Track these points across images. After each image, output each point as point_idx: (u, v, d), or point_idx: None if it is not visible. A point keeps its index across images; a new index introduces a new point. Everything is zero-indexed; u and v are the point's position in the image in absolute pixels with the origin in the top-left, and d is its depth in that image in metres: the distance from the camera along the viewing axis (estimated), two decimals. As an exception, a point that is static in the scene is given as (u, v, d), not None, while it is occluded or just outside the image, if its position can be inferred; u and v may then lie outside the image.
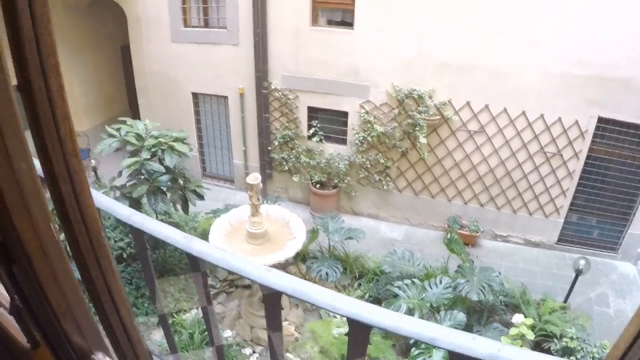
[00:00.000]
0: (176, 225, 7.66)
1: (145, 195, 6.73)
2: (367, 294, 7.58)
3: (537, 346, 6.53)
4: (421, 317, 6.31)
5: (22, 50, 0.67)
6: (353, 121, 9.52)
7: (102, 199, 1.67)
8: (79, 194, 0.79)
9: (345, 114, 9.59)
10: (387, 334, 6.88)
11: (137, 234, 1.58)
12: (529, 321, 6.05)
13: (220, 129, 10.96)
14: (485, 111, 8.63)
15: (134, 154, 6.71)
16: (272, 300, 1.45)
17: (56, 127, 0.74)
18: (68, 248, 1.03)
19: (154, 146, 6.71)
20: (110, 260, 0.92)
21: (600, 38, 7.48)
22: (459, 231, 9.07)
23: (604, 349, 6.14)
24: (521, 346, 5.70)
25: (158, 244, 7.35)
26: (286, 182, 10.69)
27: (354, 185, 10.13)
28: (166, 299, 7.36)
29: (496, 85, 8.35)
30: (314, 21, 9.03)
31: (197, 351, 6.67)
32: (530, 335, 5.98)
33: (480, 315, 6.90)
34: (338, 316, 7.36)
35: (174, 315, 7.11)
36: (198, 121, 10.99)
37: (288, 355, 6.70)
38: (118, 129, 6.74)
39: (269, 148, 10.38)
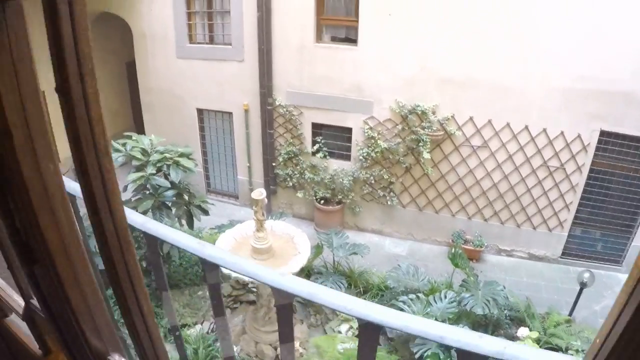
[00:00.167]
0: (181, 240, 7.66)
1: (150, 210, 6.76)
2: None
3: None
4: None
5: (63, 55, 0.72)
6: (357, 137, 9.58)
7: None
8: (109, 192, 0.83)
9: (349, 130, 9.65)
10: (392, 348, 6.86)
11: (152, 241, 1.61)
12: (534, 334, 6.04)
13: (225, 145, 11.03)
14: (488, 126, 8.68)
15: (139, 169, 6.75)
16: (284, 310, 1.48)
17: (90, 128, 0.78)
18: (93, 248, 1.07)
19: (159, 161, 6.75)
20: (135, 257, 0.96)
21: (602, 52, 7.55)
22: (463, 246, 9.06)
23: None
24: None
25: (163, 259, 7.36)
26: (290, 198, 10.72)
27: (358, 201, 10.15)
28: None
29: (499, 100, 8.42)
30: (318, 38, 9.14)
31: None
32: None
33: (485, 329, 6.88)
34: (342, 331, 7.35)
35: (179, 330, 7.09)
36: (203, 137, 11.06)
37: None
38: (124, 144, 6.79)
39: (274, 164, 10.42)
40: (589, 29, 7.50)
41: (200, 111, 10.74)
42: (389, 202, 9.87)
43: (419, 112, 8.81)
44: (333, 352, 6.77)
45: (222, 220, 8.85)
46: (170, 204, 7.04)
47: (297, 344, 7.04)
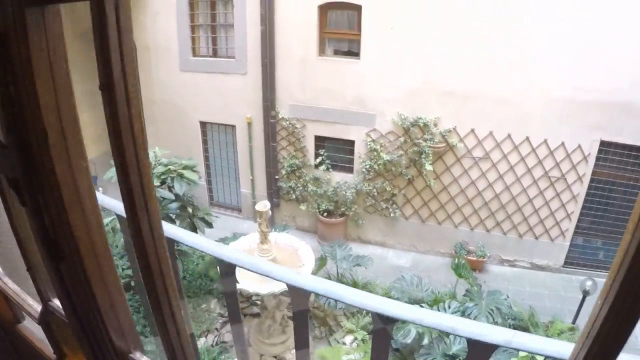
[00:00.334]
0: (184, 253, 7.71)
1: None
2: (376, 320, 7.56)
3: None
4: (430, 342, 6.31)
5: (108, 56, 0.77)
6: (360, 149, 9.63)
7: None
8: (145, 185, 0.87)
9: (352, 143, 9.70)
10: (398, 359, 6.86)
11: (169, 243, 1.65)
12: (539, 344, 6.03)
13: (228, 157, 11.08)
14: (489, 138, 8.74)
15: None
16: (300, 317, 1.52)
17: (131, 124, 0.83)
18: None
19: (163, 174, 6.80)
20: (166, 250, 0.99)
21: (601, 64, 7.63)
22: (466, 257, 9.08)
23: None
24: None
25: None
26: (293, 211, 10.74)
27: (361, 213, 10.18)
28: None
29: (500, 112, 8.48)
30: (321, 51, 9.23)
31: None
32: (540, 357, 5.95)
33: (490, 340, 6.87)
34: (347, 343, 7.35)
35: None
36: (206, 150, 11.11)
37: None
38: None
39: (277, 177, 10.46)
40: (588, 41, 7.59)
41: (203, 124, 10.80)
42: (391, 214, 9.90)
43: (421, 125, 8.87)
44: (338, 363, 6.78)
45: (226, 233, 8.87)
46: (174, 217, 7.07)
47: (301, 355, 7.03)
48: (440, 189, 9.46)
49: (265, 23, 9.00)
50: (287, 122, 9.84)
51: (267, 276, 1.39)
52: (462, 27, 8.13)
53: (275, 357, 6.95)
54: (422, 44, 8.44)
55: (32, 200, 1.03)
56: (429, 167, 8.91)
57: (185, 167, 7.04)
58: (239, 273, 6.36)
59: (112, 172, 6.75)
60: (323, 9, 8.93)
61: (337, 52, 9.42)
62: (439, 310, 6.77)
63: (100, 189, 9.52)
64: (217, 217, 7.89)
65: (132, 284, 7.14)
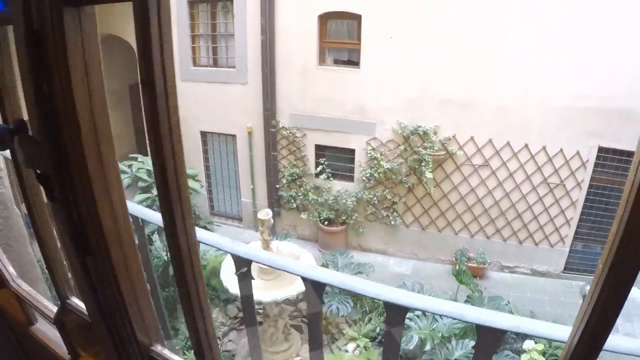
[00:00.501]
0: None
1: (156, 232, 6.81)
2: (379, 327, 7.58)
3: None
4: (433, 347, 6.32)
5: (150, 54, 0.82)
6: (360, 158, 9.69)
7: (142, 210, 1.79)
8: (179, 175, 0.92)
9: (352, 151, 9.76)
10: (400, 366, 6.86)
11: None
12: (540, 347, 6.04)
13: (229, 167, 11.12)
14: (489, 145, 8.81)
15: (145, 190, 6.81)
16: (313, 318, 1.56)
17: (168, 117, 0.88)
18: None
19: (165, 183, 6.81)
20: (196, 237, 1.04)
21: (598, 71, 7.71)
22: (466, 264, 9.11)
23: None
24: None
25: (168, 281, 7.40)
26: (294, 220, 10.77)
27: (362, 221, 10.21)
28: (177, 337, 7.36)
29: (499, 119, 8.55)
30: (321, 60, 9.31)
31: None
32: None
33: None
34: (349, 350, 7.35)
35: (185, 352, 7.10)
36: (206, 160, 11.15)
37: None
38: (129, 166, 6.86)
39: (277, 186, 10.50)
40: (586, 49, 7.67)
41: (204, 134, 10.85)
42: (392, 222, 9.93)
43: (421, 133, 8.94)
44: (340, 370, 6.78)
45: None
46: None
47: (303, 363, 7.05)
48: (441, 196, 9.50)
49: (265, 33, 9.08)
50: (288, 131, 9.90)
51: (283, 270, 1.43)
52: (461, 35, 8.22)
53: (277, 365, 6.95)
54: (421, 52, 8.52)
55: (63, 195, 1.07)
56: (429, 175, 8.96)
57: (187, 177, 7.05)
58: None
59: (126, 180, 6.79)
60: (323, 19, 9.02)
61: (337, 62, 9.50)
62: (440, 316, 6.79)
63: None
64: (218, 226, 7.92)
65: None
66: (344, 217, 10.13)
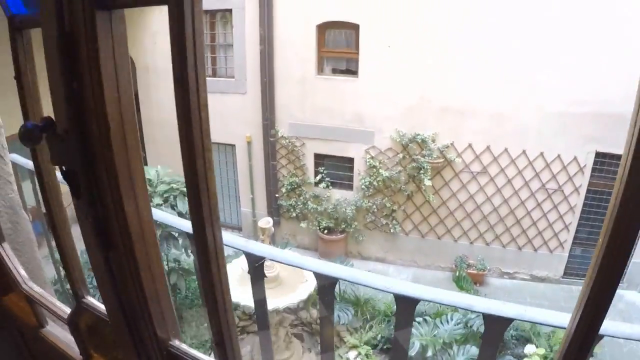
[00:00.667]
0: (186, 271, 7.75)
1: (157, 240, 6.82)
2: (380, 335, 7.60)
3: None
4: (434, 353, 6.35)
5: (184, 51, 0.87)
6: (359, 166, 9.75)
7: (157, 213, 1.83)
8: (207, 169, 0.97)
9: (351, 160, 9.82)
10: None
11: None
12: (541, 351, 6.08)
13: (228, 177, 11.15)
14: (487, 152, 8.88)
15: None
16: (325, 322, 1.60)
17: (199, 111, 0.92)
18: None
19: (166, 192, 6.85)
20: (221, 229, 1.08)
21: (594, 77, 7.79)
22: (466, 270, 9.15)
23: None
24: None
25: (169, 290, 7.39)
26: (294, 229, 10.79)
27: (361, 229, 10.24)
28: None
29: (497, 126, 8.63)
30: (320, 70, 9.40)
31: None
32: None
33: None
34: (351, 358, 7.36)
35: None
36: (207, 169, 11.14)
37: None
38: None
39: (277, 195, 10.54)
40: (581, 54, 7.76)
41: (204, 143, 10.85)
42: (391, 230, 9.97)
43: (419, 141, 9.01)
44: (343, 378, 6.79)
45: (227, 251, 8.86)
46: (177, 235, 7.11)
47: (305, 371, 7.05)
48: (439, 204, 9.56)
49: (264, 43, 9.17)
50: (287, 141, 9.95)
51: (296, 267, 1.48)
52: (458, 44, 8.32)
53: (279, 373, 6.94)
54: (419, 61, 8.61)
55: (88, 190, 1.11)
56: (427, 183, 9.03)
57: (188, 185, 7.07)
58: (242, 291, 6.40)
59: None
60: (321, 29, 9.11)
61: (335, 71, 9.58)
62: (442, 323, 6.82)
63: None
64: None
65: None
66: (344, 226, 10.16)
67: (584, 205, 8.81)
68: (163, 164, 8.92)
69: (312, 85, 9.41)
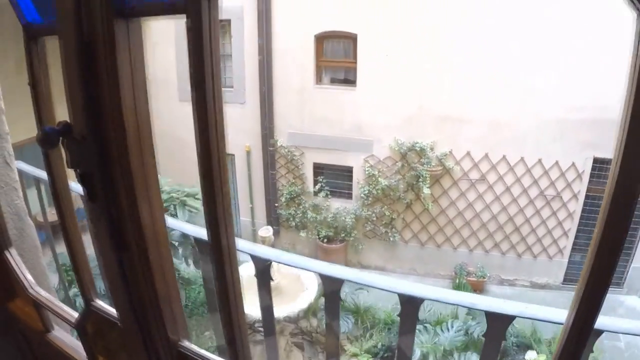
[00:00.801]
0: (186, 280, 7.75)
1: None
2: (380, 343, 7.60)
3: (551, 380, 6.55)
4: (435, 362, 6.36)
5: (202, 60, 0.92)
6: (358, 176, 9.78)
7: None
8: (222, 168, 1.01)
9: (350, 169, 9.86)
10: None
11: (203, 246, 1.77)
12: (542, 357, 6.10)
13: (227, 186, 11.13)
14: (485, 160, 8.93)
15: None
16: (331, 319, 1.63)
17: (215, 115, 0.97)
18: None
19: (166, 201, 6.87)
20: (233, 226, 1.12)
21: (591, 83, 7.84)
22: (466, 278, 9.17)
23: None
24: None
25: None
26: (293, 238, 10.79)
27: (361, 238, 10.26)
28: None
29: (495, 134, 8.69)
30: (318, 80, 9.46)
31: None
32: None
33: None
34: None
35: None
36: (205, 180, 11.15)
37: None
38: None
39: (276, 205, 10.55)
40: (577, 61, 7.83)
41: (202, 154, 10.86)
42: (391, 239, 9.99)
43: (418, 149, 9.05)
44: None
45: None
46: (177, 244, 7.12)
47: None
48: (438, 212, 9.59)
49: (263, 53, 9.23)
50: (286, 150, 9.99)
51: (302, 269, 1.51)
52: (455, 52, 8.38)
53: (280, 382, 6.93)
54: (417, 70, 8.67)
55: (104, 193, 1.15)
56: (426, 191, 9.05)
57: (188, 195, 7.12)
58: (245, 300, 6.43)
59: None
60: (319, 39, 9.19)
61: (333, 81, 9.65)
62: (442, 330, 6.83)
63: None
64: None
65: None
66: (343, 235, 10.17)
67: (583, 211, 8.85)
68: (162, 173, 8.93)
69: (311, 95, 9.47)
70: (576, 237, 9.12)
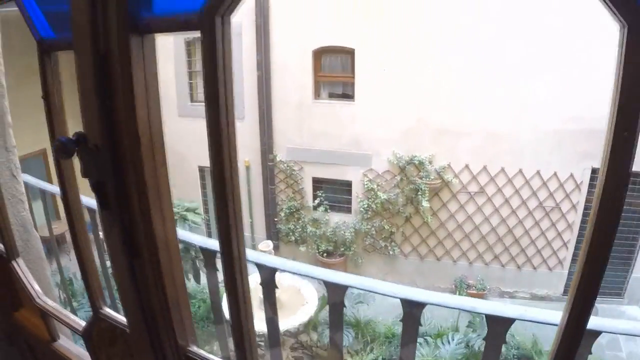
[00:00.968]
0: (188, 296, 7.72)
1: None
2: (380, 357, 7.58)
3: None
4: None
5: (215, 73, 0.97)
6: (357, 190, 9.82)
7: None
8: (234, 176, 1.06)
9: (349, 183, 9.90)
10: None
11: (209, 255, 1.82)
12: (543, 367, 6.10)
13: (227, 201, 11.14)
14: (483, 172, 8.98)
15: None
16: (335, 323, 1.66)
17: (228, 127, 1.02)
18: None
19: (167, 216, 6.89)
20: (243, 230, 1.16)
21: (588, 93, 7.86)
22: (466, 291, 9.17)
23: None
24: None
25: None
26: (293, 252, 10.77)
27: (360, 252, 10.27)
28: None
29: (493, 146, 8.75)
30: (317, 95, 9.54)
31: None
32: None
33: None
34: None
35: None
36: (204, 194, 11.20)
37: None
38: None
39: (276, 219, 10.57)
40: (574, 71, 7.90)
41: (201, 169, 10.91)
42: (390, 252, 10.01)
43: (416, 163, 9.10)
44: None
45: (227, 275, 8.87)
46: (178, 259, 7.13)
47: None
48: (438, 225, 9.62)
49: (261, 69, 9.30)
50: (285, 165, 10.03)
51: (307, 276, 1.55)
52: (452, 65, 8.46)
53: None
54: (415, 83, 8.74)
55: (117, 201, 1.19)
56: (425, 204, 9.09)
57: (188, 210, 7.15)
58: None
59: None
60: (317, 54, 9.27)
61: (332, 95, 9.72)
62: (443, 343, 6.83)
63: (101, 233, 9.53)
64: (217, 258, 7.92)
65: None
66: (343, 249, 10.18)
67: (582, 222, 8.87)
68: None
69: (309, 110, 9.54)
70: (576, 248, 9.10)
